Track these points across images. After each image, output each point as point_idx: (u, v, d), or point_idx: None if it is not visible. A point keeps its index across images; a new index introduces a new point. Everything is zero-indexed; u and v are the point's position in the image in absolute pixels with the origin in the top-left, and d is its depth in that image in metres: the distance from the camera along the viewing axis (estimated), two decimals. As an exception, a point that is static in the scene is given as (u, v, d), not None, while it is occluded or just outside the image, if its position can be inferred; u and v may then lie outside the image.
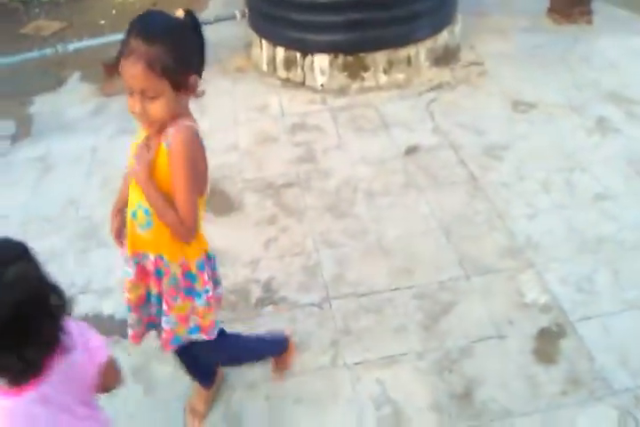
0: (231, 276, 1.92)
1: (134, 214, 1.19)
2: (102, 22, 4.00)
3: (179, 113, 1.12)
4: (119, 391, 1.64)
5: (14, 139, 2.79)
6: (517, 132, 2.49)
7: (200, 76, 1.14)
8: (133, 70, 1.04)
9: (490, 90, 2.80)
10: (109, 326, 1.80)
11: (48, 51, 3.37)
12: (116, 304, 1.87)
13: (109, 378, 1.09)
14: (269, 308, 1.80)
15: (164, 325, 1.25)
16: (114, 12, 4.13)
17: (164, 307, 1.24)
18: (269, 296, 1.85)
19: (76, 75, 3.31)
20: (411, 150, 2.44)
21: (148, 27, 1.07)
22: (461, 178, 2.26)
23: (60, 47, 3.37)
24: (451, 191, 2.20)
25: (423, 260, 1.92)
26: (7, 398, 0.87)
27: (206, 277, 1.24)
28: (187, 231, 1.14)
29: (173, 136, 1.10)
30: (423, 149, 2.43)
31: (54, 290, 0.94)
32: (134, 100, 1.08)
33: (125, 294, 1.28)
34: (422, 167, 2.33)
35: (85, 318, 1.82)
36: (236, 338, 1.45)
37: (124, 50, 1.05)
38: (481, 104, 2.70)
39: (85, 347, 0.98)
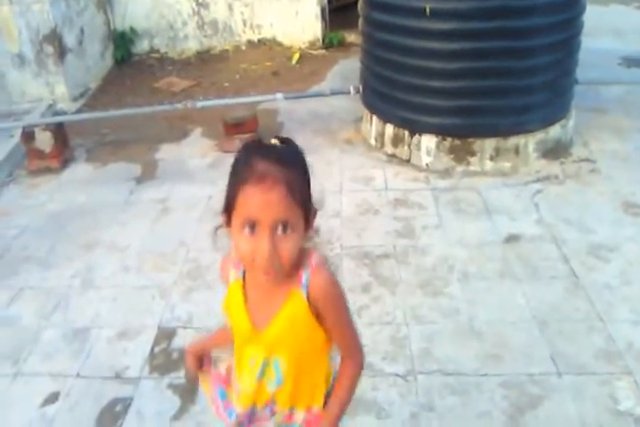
0: (322, 334, 2.19)
1: (261, 373, 1.12)
2: (226, 85, 4.78)
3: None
4: (207, 425, 1.89)
5: (139, 180, 3.40)
6: (627, 235, 2.66)
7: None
8: (271, 196, 0.93)
9: (600, 189, 3.03)
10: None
11: (178, 105, 4.09)
12: (212, 344, 2.20)
13: None
14: (355, 371, 2.03)
15: None
16: (237, 76, 4.93)
17: None
18: (356, 360, 2.08)
19: (198, 130, 3.98)
20: (511, 239, 2.68)
21: (277, 148, 1.00)
22: (562, 273, 2.44)
23: (189, 103, 4.09)
24: (549, 285, 2.38)
25: (514, 349, 2.09)
26: None
27: None
28: (362, 364, 1.17)
29: (315, 280, 1.05)
30: (524, 238, 2.67)
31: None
32: (259, 239, 0.95)
33: None
34: (522, 257, 2.55)
35: (184, 353, 2.15)
36: None
37: (246, 176, 0.95)
38: (590, 202, 2.92)
39: None
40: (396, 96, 3.35)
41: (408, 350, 2.10)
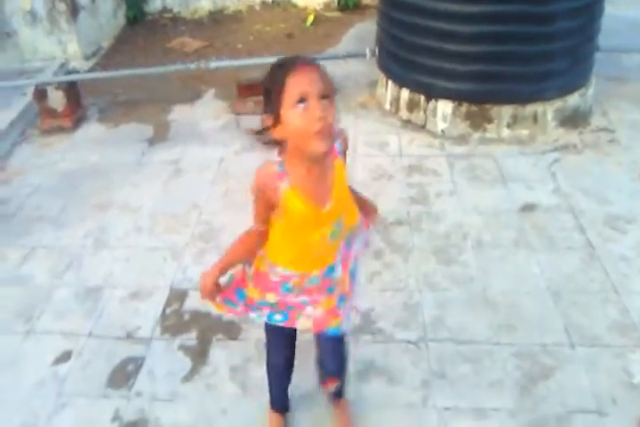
0: (333, 300, 2.12)
1: (332, 237, 1.31)
2: (239, 46, 4.56)
3: None
4: (216, 387, 1.87)
5: (151, 141, 3.27)
6: (645, 207, 2.53)
7: None
8: (314, 74, 1.16)
9: (619, 159, 2.87)
10: (215, 325, 2.06)
11: (191, 66, 3.90)
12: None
13: None
14: (367, 337, 1.96)
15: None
16: (251, 37, 4.70)
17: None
18: (367, 326, 2.02)
19: (211, 91, 3.81)
20: (527, 208, 2.56)
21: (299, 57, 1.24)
22: (578, 244, 2.33)
23: (202, 64, 3.90)
24: (564, 255, 2.28)
25: (527, 319, 2.01)
26: None
27: None
28: None
29: (343, 140, 1.29)
30: (541, 208, 2.54)
31: None
32: (311, 108, 1.13)
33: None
34: (537, 227, 2.43)
35: (196, 315, 2.11)
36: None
37: (291, 68, 1.15)
38: (608, 172, 2.78)
39: None
40: (412, 60, 3.17)
41: (420, 317, 2.03)
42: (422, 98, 3.21)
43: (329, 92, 1.17)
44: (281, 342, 1.56)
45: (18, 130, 3.51)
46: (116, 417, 1.78)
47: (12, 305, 2.21)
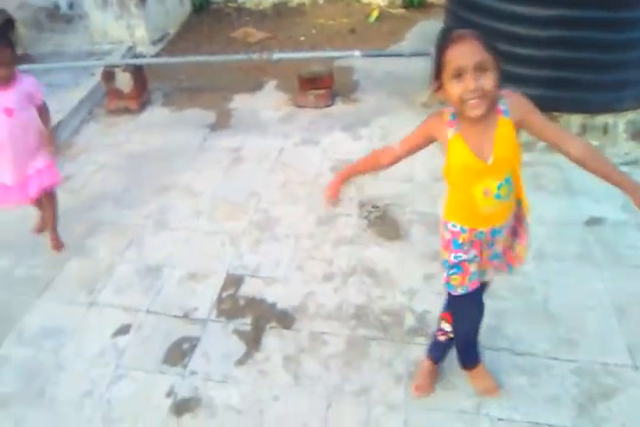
0: (388, 298, 2.10)
1: (499, 196, 1.40)
2: (302, 39, 4.55)
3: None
4: (269, 374, 1.88)
5: (213, 128, 3.30)
6: None
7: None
8: (469, 47, 1.26)
9: (694, 178, 2.72)
10: (269, 313, 2.07)
11: (254, 56, 3.92)
12: (278, 295, 2.15)
13: (45, 119, 2.25)
14: (421, 339, 1.93)
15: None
16: (314, 31, 4.68)
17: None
18: (422, 328, 1.98)
19: (272, 82, 3.82)
20: (593, 221, 2.46)
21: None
22: (646, 263, 2.23)
23: (265, 55, 3.91)
24: (631, 273, 2.18)
25: (589, 335, 1.94)
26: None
27: None
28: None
29: (510, 100, 1.34)
30: (608, 223, 2.44)
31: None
32: (466, 80, 1.26)
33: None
34: (603, 242, 2.34)
35: (251, 301, 2.13)
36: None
37: (449, 40, 1.28)
38: (681, 190, 2.64)
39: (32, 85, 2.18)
40: (479, 62, 3.09)
41: (476, 323, 1.98)
42: (487, 101, 3.14)
43: (485, 63, 1.27)
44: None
45: (86, 108, 3.61)
46: (170, 392, 1.82)
47: (75, 277, 2.28)
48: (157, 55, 4.33)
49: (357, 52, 3.62)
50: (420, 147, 1.49)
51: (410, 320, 2.01)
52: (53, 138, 2.33)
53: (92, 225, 2.57)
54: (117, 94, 3.55)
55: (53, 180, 2.31)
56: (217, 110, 3.48)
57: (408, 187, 2.71)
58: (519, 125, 1.37)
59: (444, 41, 1.30)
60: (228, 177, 2.85)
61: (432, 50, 3.65)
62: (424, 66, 3.69)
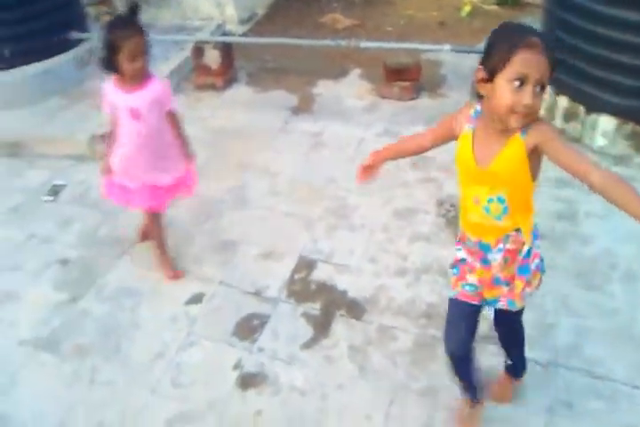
0: (462, 300, 2.05)
1: (487, 209, 1.34)
2: (389, 29, 4.47)
3: None
4: (335, 361, 1.87)
5: (295, 111, 3.31)
6: None
7: None
8: (540, 59, 1.17)
9: None
10: (340, 301, 2.07)
11: (342, 42, 3.89)
12: (350, 283, 2.14)
13: (175, 126, 2.11)
14: (493, 348, 1.87)
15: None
16: (402, 22, 4.59)
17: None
18: (494, 336, 1.92)
19: (357, 70, 3.78)
20: (689, 244, 2.30)
21: (537, 31, 1.24)
22: None
23: (352, 42, 3.88)
24: None
25: (676, 365, 1.82)
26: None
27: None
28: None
29: (535, 124, 1.23)
30: None
31: None
32: (525, 92, 1.17)
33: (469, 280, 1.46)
34: (700, 267, 2.18)
35: (322, 287, 2.13)
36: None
37: (522, 42, 1.16)
38: None
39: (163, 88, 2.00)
40: (577, 67, 2.90)
41: (553, 339, 1.89)
42: (582, 109, 2.96)
43: (545, 80, 1.20)
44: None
45: (173, 81, 3.69)
46: (237, 366, 1.85)
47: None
48: (245, 35, 4.38)
49: (447, 47, 3.51)
50: (444, 138, 1.44)
51: (483, 326, 1.95)
52: (187, 147, 2.12)
53: (172, 195, 2.65)
54: (205, 70, 3.62)
55: (187, 192, 2.16)
56: (300, 94, 3.48)
57: (490, 189, 2.62)
58: (536, 149, 1.26)
59: (518, 39, 1.18)
60: (307, 161, 2.85)
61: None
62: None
